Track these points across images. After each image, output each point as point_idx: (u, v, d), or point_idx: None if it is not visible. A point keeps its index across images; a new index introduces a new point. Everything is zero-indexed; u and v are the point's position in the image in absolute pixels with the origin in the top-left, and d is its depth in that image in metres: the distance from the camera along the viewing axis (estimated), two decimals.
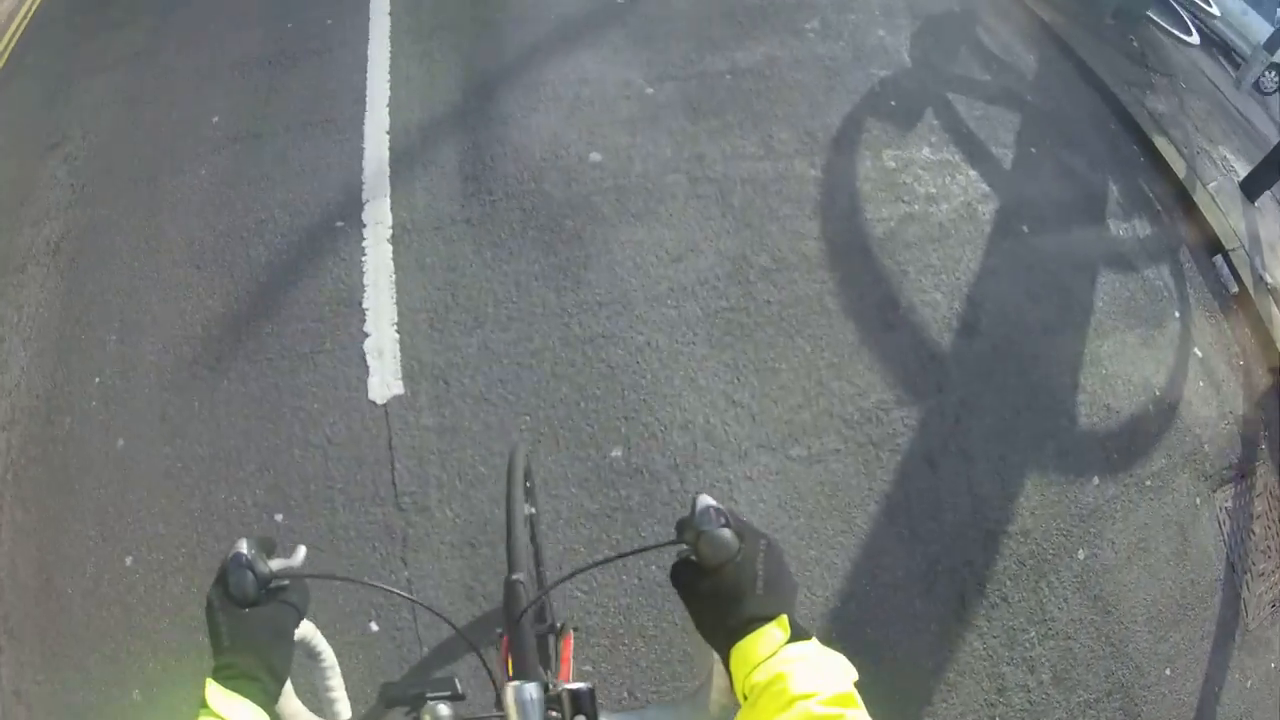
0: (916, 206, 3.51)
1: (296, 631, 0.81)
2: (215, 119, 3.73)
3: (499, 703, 0.80)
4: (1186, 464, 3.00)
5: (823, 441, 2.67)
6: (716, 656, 0.76)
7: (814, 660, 0.70)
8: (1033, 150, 4.11)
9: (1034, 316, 3.35)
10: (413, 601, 0.93)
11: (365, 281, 2.99)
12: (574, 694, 0.78)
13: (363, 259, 3.06)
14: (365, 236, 3.12)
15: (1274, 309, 3.77)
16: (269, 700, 0.73)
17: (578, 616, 2.26)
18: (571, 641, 1.56)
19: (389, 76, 3.69)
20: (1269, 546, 3.02)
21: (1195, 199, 4.10)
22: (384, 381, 2.67)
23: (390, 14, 4.08)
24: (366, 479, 2.46)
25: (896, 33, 4.36)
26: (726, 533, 0.75)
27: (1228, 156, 4.95)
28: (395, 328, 2.81)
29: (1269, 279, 3.94)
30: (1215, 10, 6.76)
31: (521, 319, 2.86)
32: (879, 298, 3.16)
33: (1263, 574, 2.92)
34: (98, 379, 2.77)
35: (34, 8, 5.05)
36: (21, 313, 3.05)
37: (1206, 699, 2.55)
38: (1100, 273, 3.72)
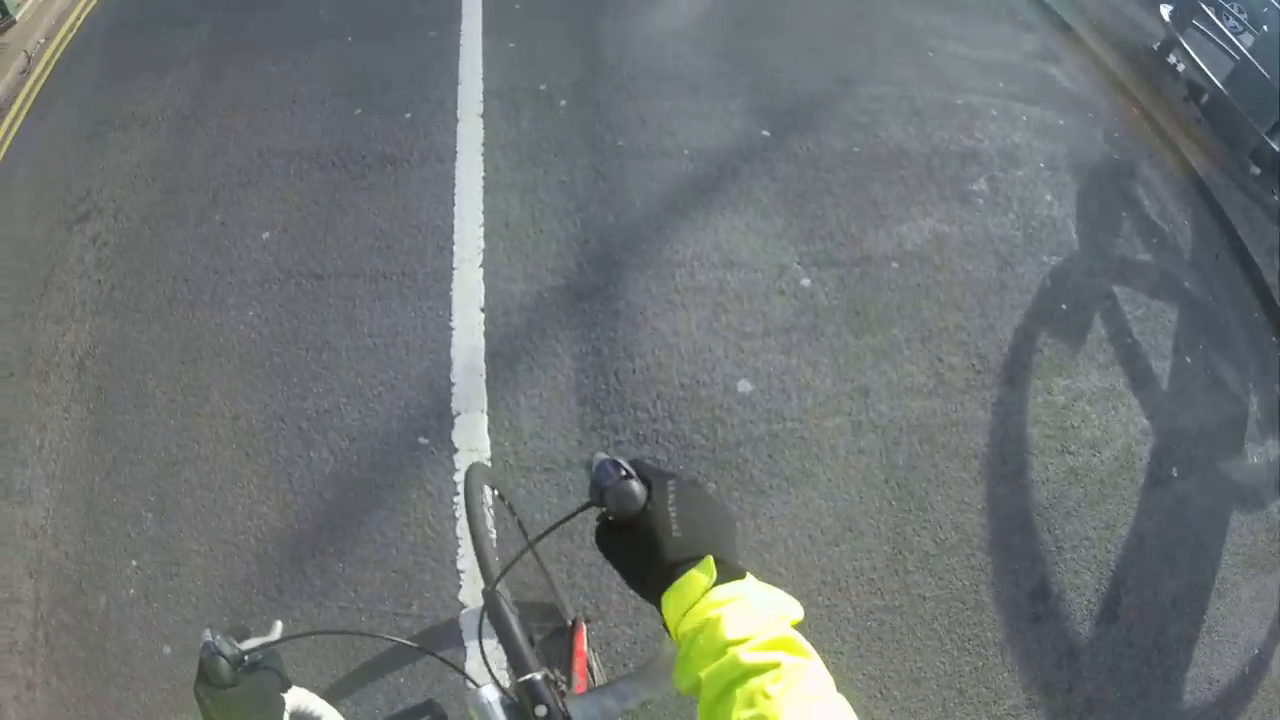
0: (1080, 457, 3.23)
1: (289, 699, 0.87)
2: (265, 235, 3.03)
3: None
4: None
5: None
6: None
7: (748, 601, 0.66)
8: (1188, 360, 3.80)
9: (1169, 588, 3.11)
10: (392, 641, 0.99)
11: (459, 533, 2.45)
12: (528, 684, 0.82)
13: (454, 498, 2.50)
14: (457, 466, 2.54)
15: None
16: None
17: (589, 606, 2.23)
18: (584, 633, 1.60)
19: (483, 218, 2.95)
20: None
21: None
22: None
23: (482, 115, 3.22)
24: None
25: (1063, 195, 3.86)
26: (631, 483, 0.75)
27: None
28: None
29: None
30: None
31: (648, 610, 2.38)
32: (1032, 585, 2.91)
33: None
34: (135, 562, 2.48)
35: (68, 39, 4.51)
36: (44, 435, 2.74)
37: None
38: (1231, 518, 3.54)
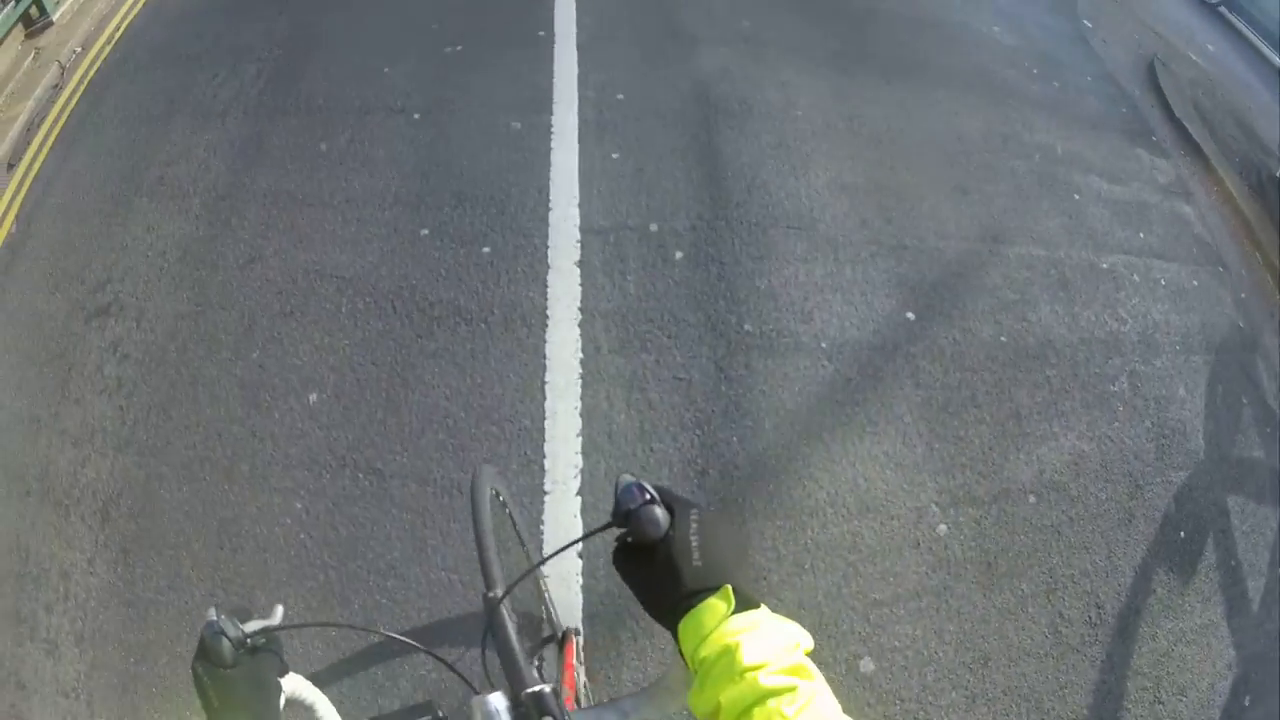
0: (1168, 705, 3.21)
1: (285, 684, 0.87)
2: (313, 398, 2.60)
3: None
4: None
5: None
6: None
7: (764, 630, 0.69)
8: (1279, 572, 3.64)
9: None
10: (387, 636, 0.99)
11: None
12: (536, 696, 0.82)
13: None
14: None
15: None
16: None
17: (583, 618, 2.20)
18: (574, 645, 1.58)
19: (579, 423, 2.51)
20: None
21: None
22: None
23: (579, 263, 2.68)
24: None
25: (1194, 388, 3.62)
26: (655, 509, 0.75)
27: None
28: None
29: None
30: None
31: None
32: None
33: None
34: None
35: (105, 52, 3.97)
36: (68, 585, 2.52)
37: None
38: None
